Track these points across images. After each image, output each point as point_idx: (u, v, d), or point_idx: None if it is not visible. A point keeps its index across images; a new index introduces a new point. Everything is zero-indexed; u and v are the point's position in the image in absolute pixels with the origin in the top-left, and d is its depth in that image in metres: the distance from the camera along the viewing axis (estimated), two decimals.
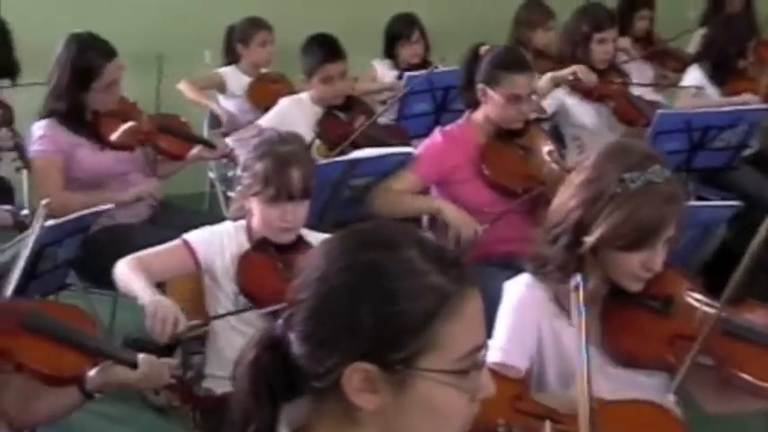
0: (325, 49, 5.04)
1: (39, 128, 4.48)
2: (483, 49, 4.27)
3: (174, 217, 4.70)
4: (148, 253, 3.23)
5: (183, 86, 6.03)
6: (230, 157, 5.03)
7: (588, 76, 5.30)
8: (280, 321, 1.60)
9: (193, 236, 3.25)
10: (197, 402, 2.78)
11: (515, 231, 3.91)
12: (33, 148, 4.49)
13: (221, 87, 6.15)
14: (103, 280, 4.35)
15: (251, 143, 3.27)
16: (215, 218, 4.95)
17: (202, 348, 3.47)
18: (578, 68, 5.30)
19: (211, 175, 6.21)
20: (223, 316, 3.19)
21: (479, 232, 4.02)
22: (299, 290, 1.57)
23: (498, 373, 1.79)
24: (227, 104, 6.16)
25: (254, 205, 3.19)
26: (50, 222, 3.36)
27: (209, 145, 4.92)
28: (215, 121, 6.15)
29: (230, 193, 5.87)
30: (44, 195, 4.30)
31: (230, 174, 5.77)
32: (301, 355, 1.55)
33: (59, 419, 2.91)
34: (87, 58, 4.43)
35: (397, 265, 1.52)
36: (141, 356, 2.66)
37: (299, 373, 1.57)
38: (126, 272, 3.16)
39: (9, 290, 2.54)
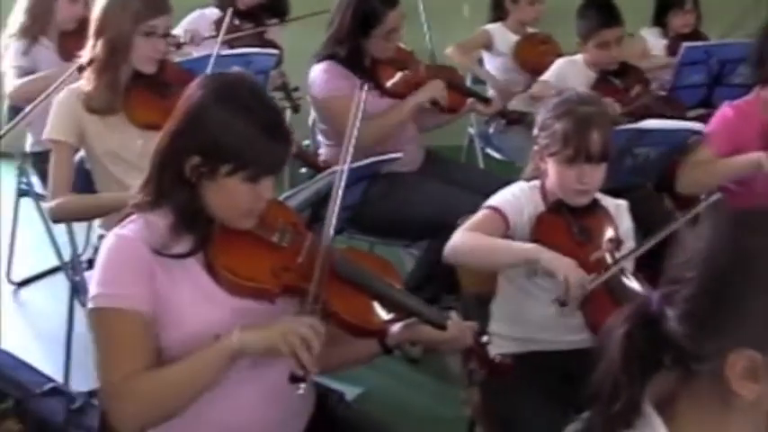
0: (602, 13, 4.99)
1: (322, 68, 4.53)
2: None
3: (440, 168, 4.74)
4: (475, 227, 3.16)
5: (451, 51, 5.98)
6: (503, 115, 5.01)
7: None
8: (657, 296, 1.55)
9: (500, 201, 3.19)
10: (494, 367, 2.73)
11: None
12: (324, 86, 4.52)
13: (488, 45, 6.06)
14: (366, 226, 4.46)
15: (550, 103, 3.21)
16: (475, 171, 5.05)
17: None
18: None
19: (471, 130, 6.20)
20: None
21: None
22: (684, 267, 1.51)
23: None
24: (493, 62, 6.09)
25: (551, 166, 3.14)
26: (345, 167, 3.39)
27: (483, 100, 4.89)
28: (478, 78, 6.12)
29: (488, 150, 5.89)
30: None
31: (491, 131, 5.75)
32: (680, 333, 1.50)
33: (350, 368, 2.93)
34: (370, 4, 4.46)
35: None
36: (450, 317, 2.62)
37: (673, 350, 1.52)
38: (473, 237, 3.12)
39: (327, 237, 2.54)
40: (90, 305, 2.40)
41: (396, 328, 2.60)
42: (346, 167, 2.76)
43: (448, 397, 4.24)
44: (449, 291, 4.21)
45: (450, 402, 4.16)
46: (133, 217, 2.48)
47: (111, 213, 3.53)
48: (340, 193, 2.68)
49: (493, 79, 5.94)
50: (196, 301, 2.43)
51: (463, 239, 3.12)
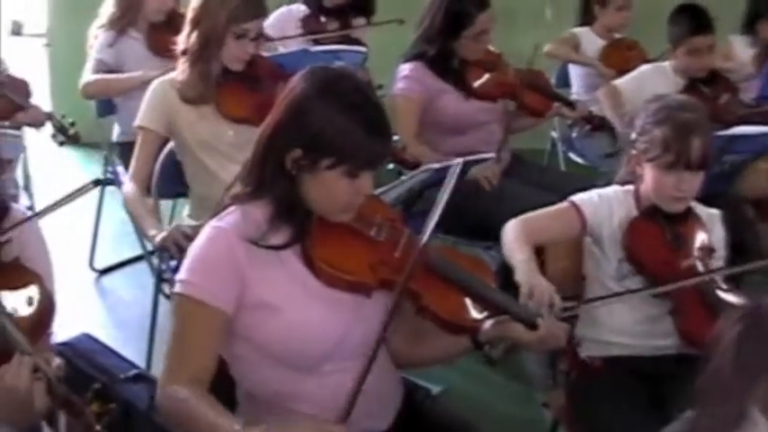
0: (694, 20, 4.96)
1: (406, 68, 4.59)
2: None
3: (525, 170, 4.74)
4: (537, 215, 3.20)
5: (549, 48, 5.97)
6: (588, 120, 4.98)
7: None
8: None
9: (582, 198, 3.21)
10: (584, 369, 2.72)
11: None
12: (397, 86, 4.58)
13: (575, 48, 6.02)
14: (450, 225, 4.44)
15: (650, 108, 3.19)
16: (561, 174, 5.09)
17: None
18: None
19: (554, 134, 6.18)
20: (596, 300, 3.14)
21: None
22: None
23: None
24: (578, 66, 6.07)
25: (648, 171, 3.14)
26: (437, 165, 3.40)
27: (569, 104, 4.89)
28: (562, 80, 6.10)
29: (570, 154, 5.88)
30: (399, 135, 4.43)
31: (573, 135, 5.72)
32: None
33: (441, 363, 2.94)
34: (461, 5, 4.49)
35: None
36: (542, 315, 2.61)
37: None
38: (512, 240, 3.15)
39: (427, 231, 2.55)
40: (177, 288, 2.45)
41: (487, 324, 2.60)
42: (458, 167, 2.74)
43: (526, 398, 4.24)
44: None
45: (529, 404, 4.18)
46: (231, 209, 2.51)
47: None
48: (449, 190, 2.65)
49: (594, 62, 5.91)
50: (293, 293, 2.45)
51: (511, 227, 3.19)
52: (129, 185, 3.90)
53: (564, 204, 3.22)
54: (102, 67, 5.05)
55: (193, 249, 2.47)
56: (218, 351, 2.46)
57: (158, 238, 3.60)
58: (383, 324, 2.37)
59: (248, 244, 2.42)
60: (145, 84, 4.09)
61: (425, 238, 2.51)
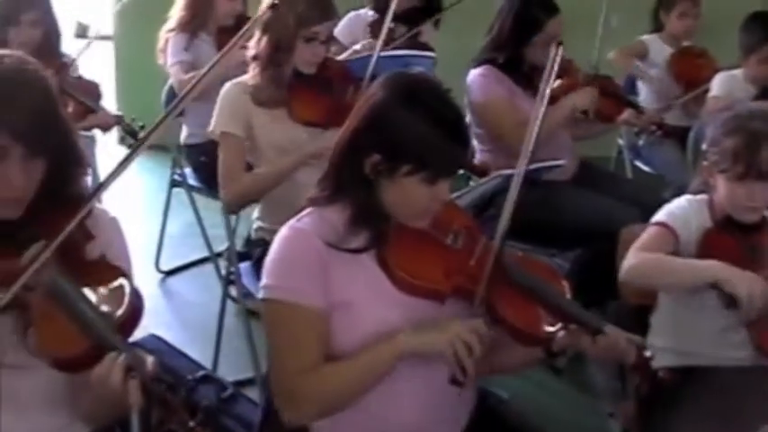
0: None
1: (480, 73, 4.59)
2: None
3: (593, 178, 4.72)
4: (645, 246, 3.11)
5: (613, 55, 5.95)
6: (660, 126, 4.95)
7: None
8: None
9: (667, 216, 3.16)
10: (658, 383, 2.68)
11: None
12: (481, 91, 4.58)
13: (643, 55, 5.99)
14: (517, 232, 4.42)
15: (720, 118, 3.17)
16: (629, 183, 5.11)
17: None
18: None
19: (620, 141, 6.15)
20: None
21: None
22: None
23: None
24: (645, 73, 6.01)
25: (720, 182, 3.10)
26: (507, 172, 3.38)
27: (638, 111, 4.86)
28: (629, 87, 6.05)
29: (637, 163, 5.84)
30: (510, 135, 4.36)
31: (641, 143, 5.68)
32: None
33: (512, 372, 2.95)
34: (531, 11, 4.49)
35: None
36: (609, 329, 2.54)
37: None
38: (651, 258, 3.07)
39: (498, 241, 2.55)
40: (263, 294, 2.45)
41: (560, 333, 2.57)
42: (522, 170, 2.72)
43: (592, 408, 4.19)
44: (597, 302, 4.18)
45: (594, 413, 4.12)
46: (308, 211, 2.52)
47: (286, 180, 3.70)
48: (515, 196, 2.65)
49: (655, 81, 5.89)
50: (370, 297, 2.45)
51: (639, 260, 3.08)
52: (231, 191, 3.83)
53: (657, 228, 3.14)
54: (187, 68, 5.08)
55: (272, 252, 2.47)
56: (323, 348, 2.43)
57: (312, 147, 3.64)
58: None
59: (326, 245, 2.43)
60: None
61: (496, 248, 2.53)
